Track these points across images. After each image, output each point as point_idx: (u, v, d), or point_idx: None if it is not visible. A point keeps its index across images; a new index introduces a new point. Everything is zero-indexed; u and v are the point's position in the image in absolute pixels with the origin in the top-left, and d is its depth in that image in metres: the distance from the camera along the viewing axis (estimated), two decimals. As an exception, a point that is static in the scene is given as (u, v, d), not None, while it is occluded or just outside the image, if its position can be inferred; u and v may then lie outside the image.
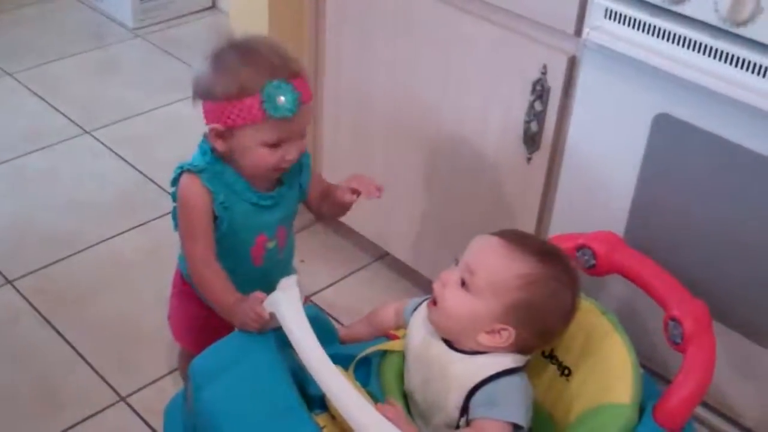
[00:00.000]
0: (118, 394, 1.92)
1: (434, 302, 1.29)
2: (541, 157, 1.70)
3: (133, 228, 2.39)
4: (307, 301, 1.58)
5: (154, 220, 2.41)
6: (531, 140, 1.70)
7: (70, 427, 1.84)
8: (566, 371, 1.39)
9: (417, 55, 1.84)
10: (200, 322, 1.61)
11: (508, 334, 1.25)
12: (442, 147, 1.89)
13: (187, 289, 1.57)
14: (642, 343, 1.44)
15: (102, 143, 2.71)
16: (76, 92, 2.96)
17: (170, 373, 1.96)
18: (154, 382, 1.95)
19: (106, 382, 1.94)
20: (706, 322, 1.36)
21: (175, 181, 1.50)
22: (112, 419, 1.86)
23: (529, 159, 1.72)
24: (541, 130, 1.67)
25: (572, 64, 1.58)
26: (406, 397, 1.37)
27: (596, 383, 1.33)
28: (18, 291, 2.16)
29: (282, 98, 1.36)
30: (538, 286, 1.25)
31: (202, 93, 1.42)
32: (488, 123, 1.77)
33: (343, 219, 2.19)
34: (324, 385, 1.19)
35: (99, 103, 2.90)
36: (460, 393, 1.26)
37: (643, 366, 1.38)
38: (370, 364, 1.40)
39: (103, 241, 2.34)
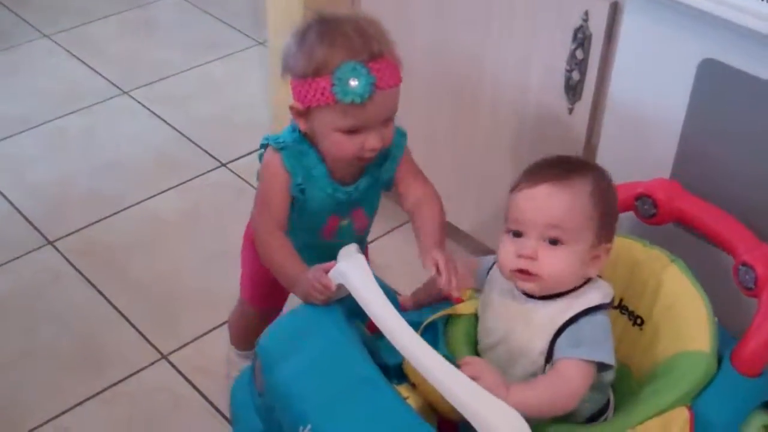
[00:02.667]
0: (159, 352, 1.92)
1: (526, 273, 1.24)
2: (583, 107, 1.66)
3: (173, 187, 2.38)
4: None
5: (193, 179, 2.41)
6: (573, 90, 1.65)
7: (113, 385, 1.85)
8: (639, 321, 1.38)
9: (456, 4, 1.80)
10: (268, 276, 1.57)
11: (606, 251, 1.26)
12: (482, 100, 1.85)
13: None
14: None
15: (140, 103, 2.71)
16: (114, 53, 2.96)
17: (211, 331, 1.96)
18: (195, 340, 1.95)
19: (148, 341, 1.95)
20: (778, 266, 1.33)
21: (262, 147, 1.44)
22: (153, 377, 1.87)
23: (570, 109, 1.68)
24: (583, 80, 1.63)
25: (614, 9, 1.53)
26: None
27: (672, 331, 1.32)
28: (59, 251, 2.17)
29: (353, 82, 1.28)
30: (603, 193, 1.26)
31: (286, 68, 1.36)
32: (529, 74, 1.72)
33: None
34: (408, 352, 1.15)
35: (137, 63, 2.90)
36: (545, 338, 1.24)
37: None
38: (436, 330, 1.36)
39: (143, 201, 2.34)
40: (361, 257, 1.26)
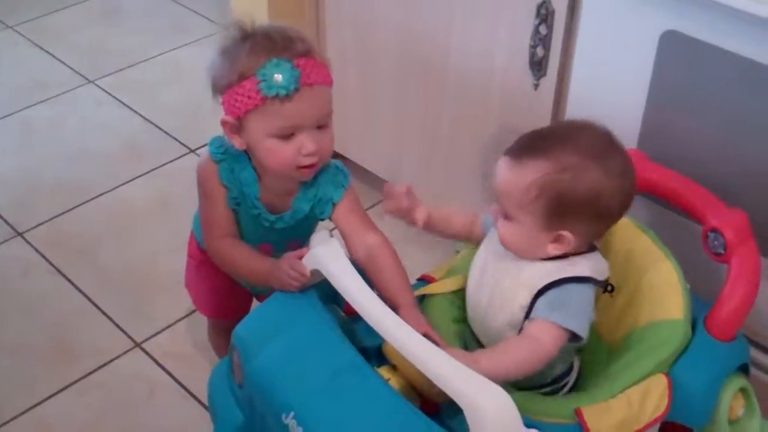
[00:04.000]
0: (133, 340, 1.92)
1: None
2: (549, 82, 1.66)
3: (142, 175, 2.37)
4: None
5: (161, 166, 2.40)
6: (537, 66, 1.66)
7: (87, 375, 1.84)
8: (609, 288, 1.39)
9: (418, -16, 1.80)
10: (224, 290, 1.58)
11: (568, 238, 1.22)
12: (449, 78, 1.85)
13: (206, 259, 1.51)
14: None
15: (106, 92, 2.69)
16: (79, 42, 2.93)
17: (184, 317, 1.96)
18: (168, 327, 1.95)
19: (121, 329, 1.94)
20: (746, 230, 1.35)
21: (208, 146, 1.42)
22: (128, 365, 1.87)
23: (536, 85, 1.68)
24: (548, 55, 1.63)
25: (576, -17, 1.54)
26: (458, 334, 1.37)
27: (646, 301, 1.33)
28: (29, 243, 2.16)
29: (278, 76, 1.25)
30: (553, 186, 1.20)
31: (214, 87, 1.33)
32: (494, 51, 1.72)
33: (353, 157, 2.17)
34: (388, 334, 1.14)
35: (102, 52, 2.87)
36: (529, 294, 1.24)
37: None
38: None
39: (112, 189, 2.33)
40: (335, 241, 1.26)
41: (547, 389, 1.32)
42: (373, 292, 1.19)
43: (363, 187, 2.24)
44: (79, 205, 2.27)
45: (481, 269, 1.33)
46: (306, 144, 1.30)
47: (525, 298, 1.25)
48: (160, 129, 2.53)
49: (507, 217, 1.25)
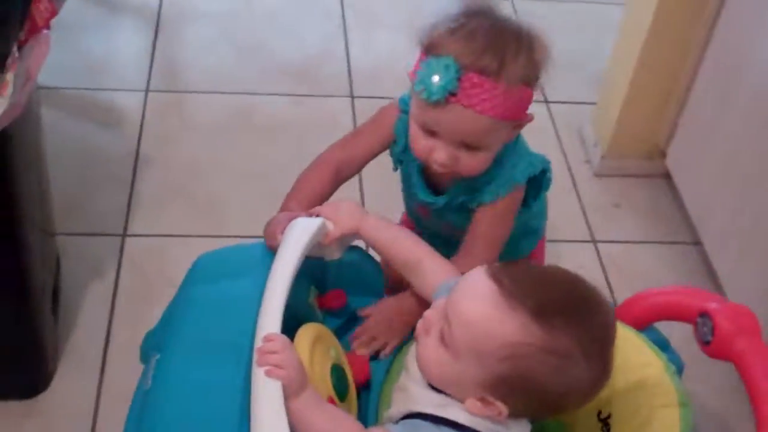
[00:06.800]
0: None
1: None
2: None
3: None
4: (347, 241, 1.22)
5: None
6: None
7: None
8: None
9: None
10: None
11: (500, 410, 0.97)
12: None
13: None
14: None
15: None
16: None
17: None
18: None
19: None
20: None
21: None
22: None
23: None
24: None
25: None
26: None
27: None
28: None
29: (436, 77, 1.10)
30: (531, 361, 0.93)
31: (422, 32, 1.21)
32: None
33: (677, 180, 2.00)
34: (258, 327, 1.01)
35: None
36: (400, 412, 1.03)
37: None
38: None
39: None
40: (317, 223, 1.12)
41: None
42: (285, 289, 1.02)
43: (677, 218, 2.04)
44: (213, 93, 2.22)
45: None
46: (438, 153, 1.18)
47: (395, 416, 1.02)
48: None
49: (445, 342, 0.98)
